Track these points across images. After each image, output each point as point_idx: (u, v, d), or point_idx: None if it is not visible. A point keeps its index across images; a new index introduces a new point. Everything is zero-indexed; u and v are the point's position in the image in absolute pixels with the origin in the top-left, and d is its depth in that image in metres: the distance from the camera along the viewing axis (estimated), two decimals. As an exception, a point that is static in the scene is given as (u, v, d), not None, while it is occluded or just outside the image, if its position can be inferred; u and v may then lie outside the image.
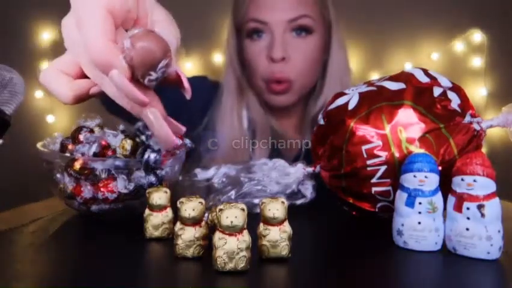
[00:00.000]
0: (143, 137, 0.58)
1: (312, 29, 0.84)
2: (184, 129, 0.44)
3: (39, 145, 0.58)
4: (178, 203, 0.43)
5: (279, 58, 0.82)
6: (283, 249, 0.42)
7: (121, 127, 0.61)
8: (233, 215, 0.39)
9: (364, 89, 0.57)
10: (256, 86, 0.88)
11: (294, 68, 0.84)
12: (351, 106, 0.55)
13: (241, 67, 0.90)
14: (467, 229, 0.44)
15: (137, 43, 0.36)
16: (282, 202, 0.42)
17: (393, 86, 0.55)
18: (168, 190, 0.50)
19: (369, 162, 0.53)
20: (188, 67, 1.75)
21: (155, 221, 0.49)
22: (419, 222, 0.46)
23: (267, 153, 0.88)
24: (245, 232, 0.40)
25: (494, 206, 0.44)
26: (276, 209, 0.41)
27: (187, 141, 0.62)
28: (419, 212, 0.46)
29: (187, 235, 0.43)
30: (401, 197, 0.48)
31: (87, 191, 0.54)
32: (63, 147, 0.57)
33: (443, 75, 0.56)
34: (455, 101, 0.53)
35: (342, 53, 0.90)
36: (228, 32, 0.91)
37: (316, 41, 0.86)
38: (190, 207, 0.42)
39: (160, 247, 0.47)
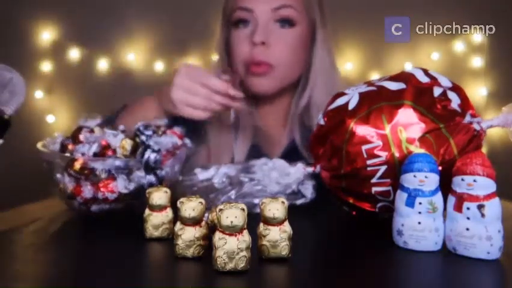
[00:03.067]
0: (143, 137, 0.58)
1: (295, 21, 0.87)
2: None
3: (39, 145, 0.58)
4: (178, 203, 0.43)
5: (259, 41, 0.84)
6: (283, 249, 0.42)
7: (121, 127, 0.61)
8: (233, 215, 0.39)
9: (364, 89, 0.57)
10: (241, 72, 0.89)
11: (274, 53, 0.86)
12: (351, 106, 0.55)
13: (229, 62, 0.92)
14: (467, 229, 0.44)
15: None
16: (282, 202, 0.42)
17: (393, 86, 0.55)
18: (168, 190, 0.50)
19: (369, 162, 0.53)
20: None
21: (155, 221, 0.49)
22: (419, 222, 0.46)
23: (247, 149, 0.89)
24: (245, 232, 0.40)
25: (494, 206, 0.44)
26: (276, 209, 0.41)
27: (187, 141, 0.62)
28: (419, 212, 0.46)
29: (187, 235, 0.43)
30: (401, 197, 0.48)
31: (87, 191, 0.54)
32: (63, 147, 0.57)
33: (443, 75, 0.56)
34: (455, 101, 0.53)
35: (326, 53, 0.91)
36: (219, 28, 0.94)
37: (298, 32, 0.88)
38: (190, 207, 0.42)
39: (160, 247, 0.47)
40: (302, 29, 0.88)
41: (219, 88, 0.74)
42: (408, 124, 0.52)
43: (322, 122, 0.59)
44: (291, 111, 0.91)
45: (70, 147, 0.56)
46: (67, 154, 0.56)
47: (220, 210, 0.39)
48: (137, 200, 0.55)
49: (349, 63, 1.81)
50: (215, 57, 1.01)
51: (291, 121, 0.92)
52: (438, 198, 0.46)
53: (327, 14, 0.92)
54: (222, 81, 0.75)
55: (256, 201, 0.60)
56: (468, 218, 0.44)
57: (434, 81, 0.55)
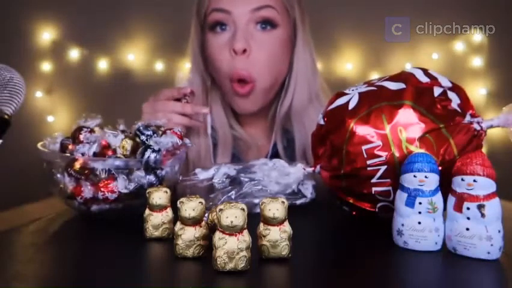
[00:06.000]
0: (143, 137, 0.58)
1: (277, 23, 0.80)
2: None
3: (39, 145, 0.58)
4: (178, 203, 0.43)
5: (241, 49, 0.78)
6: (284, 249, 0.42)
7: (121, 127, 0.61)
8: (233, 215, 0.39)
9: (364, 89, 0.57)
10: (223, 86, 0.84)
11: (257, 63, 0.79)
12: (351, 106, 0.55)
13: (206, 67, 0.87)
14: (467, 229, 0.44)
15: None
16: (282, 202, 0.42)
17: (393, 86, 0.55)
18: (168, 190, 0.50)
19: (369, 162, 0.53)
20: (188, 67, 1.75)
21: (155, 221, 0.49)
22: (419, 222, 0.46)
23: (229, 159, 0.85)
24: (245, 232, 0.40)
25: (494, 206, 0.44)
26: (276, 209, 0.41)
27: (187, 141, 0.62)
28: (419, 212, 0.46)
29: (187, 235, 0.43)
30: (401, 197, 0.48)
31: (87, 191, 0.54)
32: (63, 147, 0.57)
33: (443, 75, 0.56)
34: (455, 101, 0.53)
35: (308, 55, 0.87)
36: (192, 30, 0.88)
37: (281, 35, 0.81)
38: (190, 207, 0.42)
39: (160, 247, 0.47)
40: (284, 30, 0.83)
41: (177, 110, 0.74)
42: (408, 124, 0.52)
43: (322, 122, 0.59)
44: (274, 119, 0.87)
45: (70, 147, 0.56)
46: (67, 154, 0.56)
47: (220, 210, 0.39)
48: (137, 200, 0.55)
49: (349, 63, 1.82)
50: (187, 63, 0.96)
51: (272, 128, 0.88)
52: (438, 198, 0.46)
53: (306, 12, 0.87)
54: (182, 104, 0.75)
55: (256, 201, 0.60)
56: (468, 218, 0.44)
57: (434, 81, 0.55)
